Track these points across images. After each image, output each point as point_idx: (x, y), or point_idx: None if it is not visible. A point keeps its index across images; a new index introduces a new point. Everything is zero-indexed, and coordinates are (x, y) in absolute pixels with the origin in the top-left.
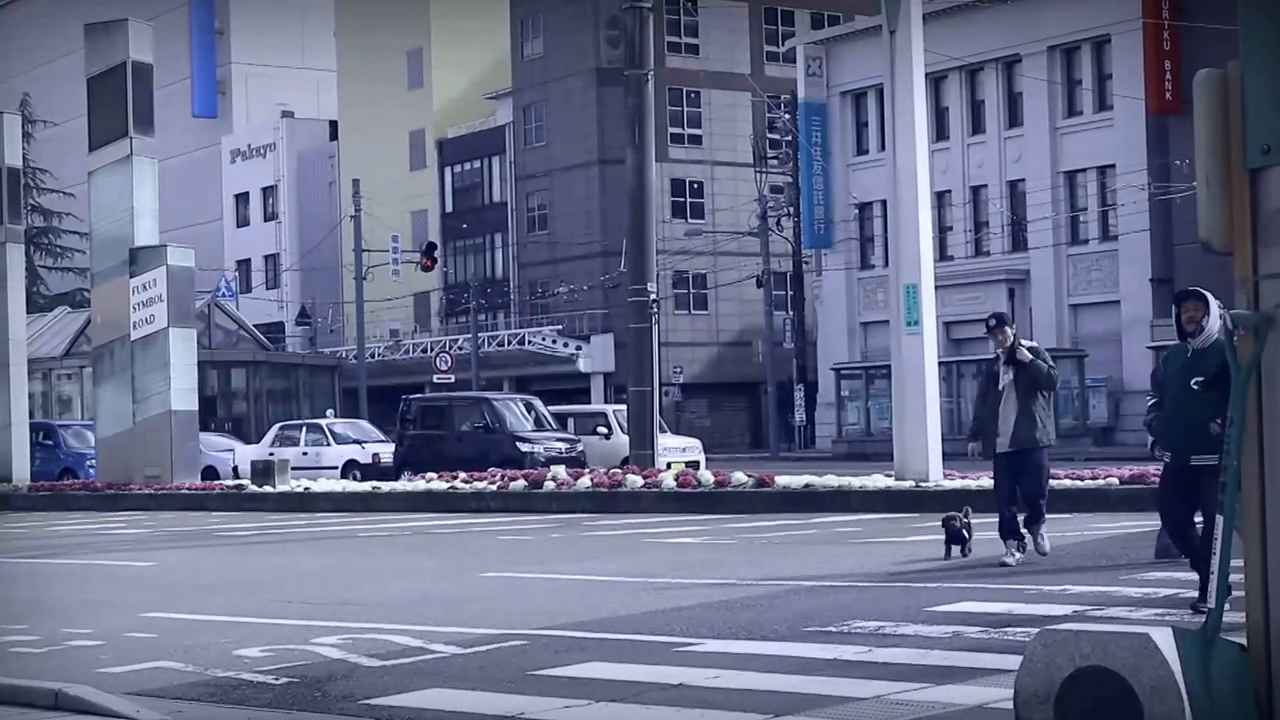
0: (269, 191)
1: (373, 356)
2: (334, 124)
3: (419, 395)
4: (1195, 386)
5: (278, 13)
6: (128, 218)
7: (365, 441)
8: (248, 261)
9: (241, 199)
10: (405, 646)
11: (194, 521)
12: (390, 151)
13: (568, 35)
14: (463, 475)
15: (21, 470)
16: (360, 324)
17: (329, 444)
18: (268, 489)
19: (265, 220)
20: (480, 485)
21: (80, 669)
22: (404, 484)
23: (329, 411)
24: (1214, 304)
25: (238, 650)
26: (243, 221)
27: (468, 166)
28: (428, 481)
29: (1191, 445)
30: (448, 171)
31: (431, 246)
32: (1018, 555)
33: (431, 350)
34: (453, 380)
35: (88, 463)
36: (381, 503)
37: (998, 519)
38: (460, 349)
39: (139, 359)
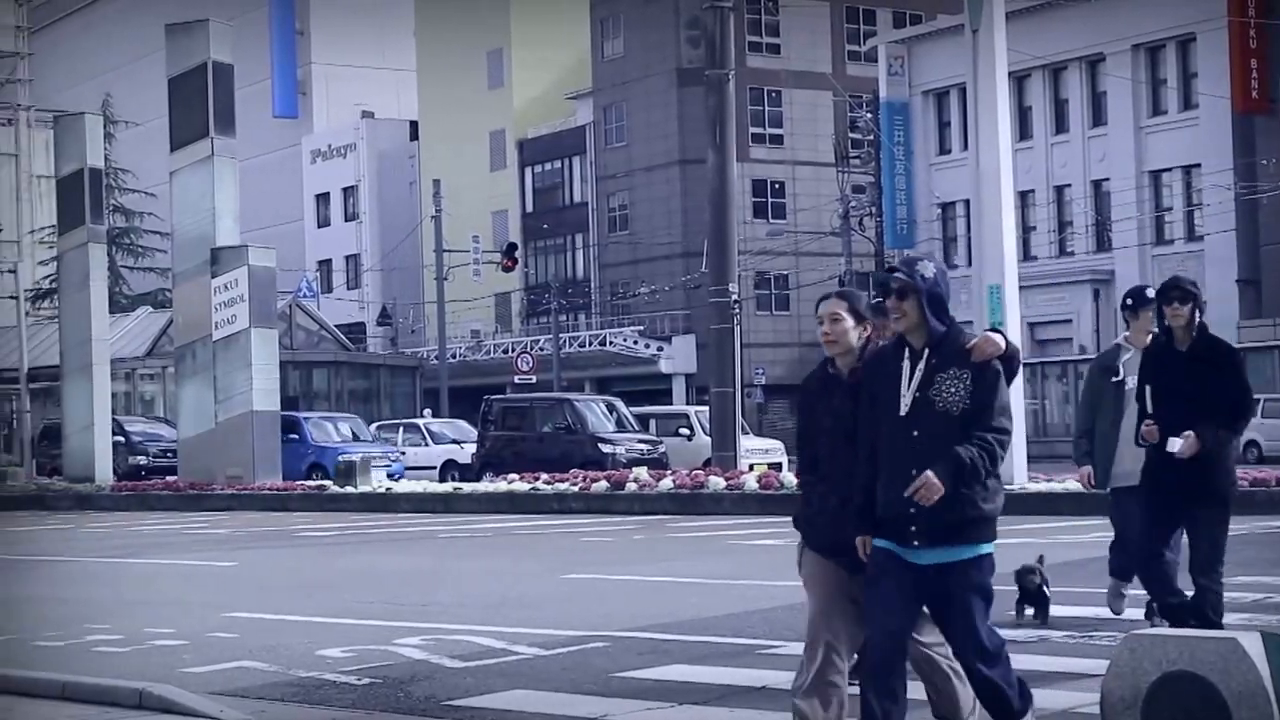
0: (349, 192)
1: (454, 357)
2: (414, 124)
3: (500, 396)
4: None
5: (358, 12)
6: (209, 218)
7: (464, 441)
8: (329, 262)
9: (322, 199)
10: (488, 648)
11: (276, 522)
12: (471, 152)
13: (648, 35)
14: (544, 476)
15: (104, 470)
16: (441, 324)
17: (426, 444)
18: (349, 489)
19: (346, 220)
20: (562, 486)
21: (163, 669)
22: (485, 485)
23: (426, 411)
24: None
25: (320, 650)
26: (323, 222)
27: (548, 167)
28: (509, 483)
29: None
30: (528, 172)
31: (512, 247)
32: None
33: (512, 351)
34: (534, 381)
35: (339, 458)
36: (463, 503)
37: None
38: (541, 350)
39: (220, 359)
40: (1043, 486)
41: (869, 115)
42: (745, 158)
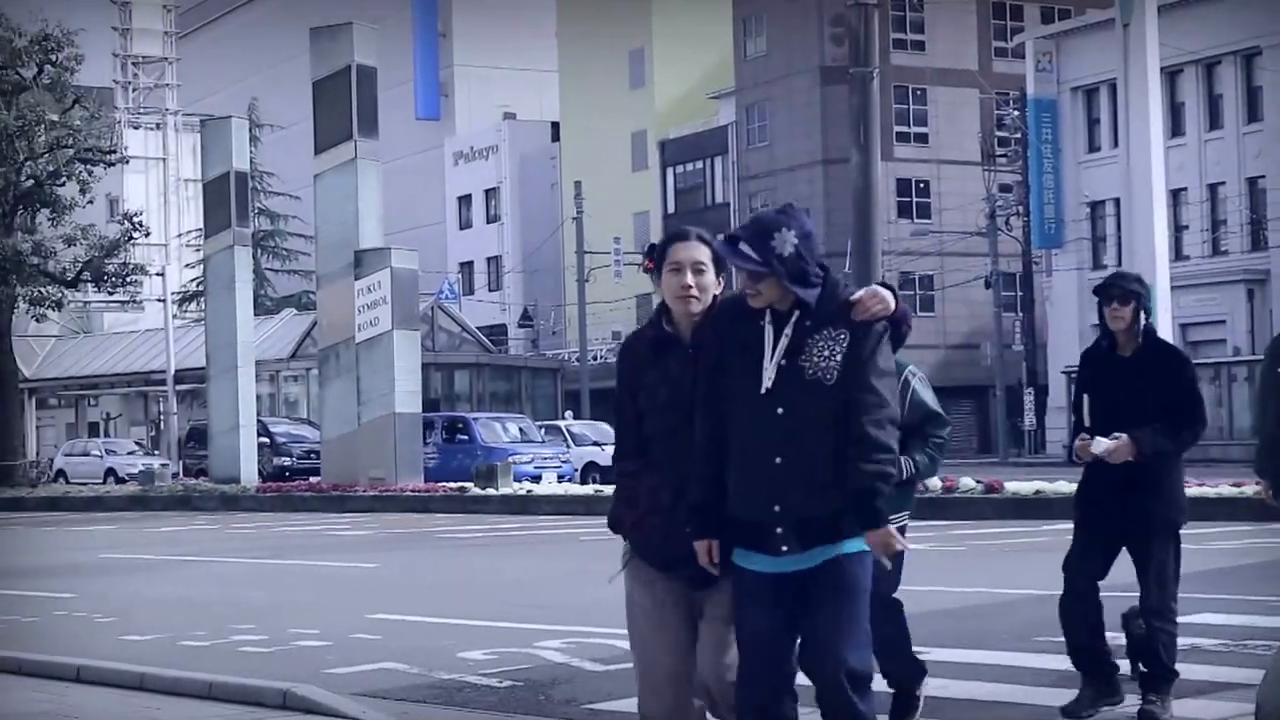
0: (491, 194)
1: (595, 359)
2: (555, 125)
3: None
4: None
5: (499, 14)
6: (352, 220)
7: (605, 443)
8: (470, 264)
9: (464, 201)
10: (628, 651)
11: (417, 523)
12: (612, 152)
13: (791, 33)
14: None
15: (249, 471)
16: (582, 326)
17: (568, 446)
18: (490, 491)
19: (488, 222)
20: None
21: (307, 669)
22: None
23: (567, 413)
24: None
25: (461, 652)
26: (465, 224)
27: (690, 167)
28: None
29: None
30: (669, 172)
31: (653, 248)
32: None
33: None
34: None
35: (509, 459)
36: (604, 506)
37: None
38: None
39: (363, 361)
40: (1194, 490)
41: (1016, 112)
42: (889, 157)
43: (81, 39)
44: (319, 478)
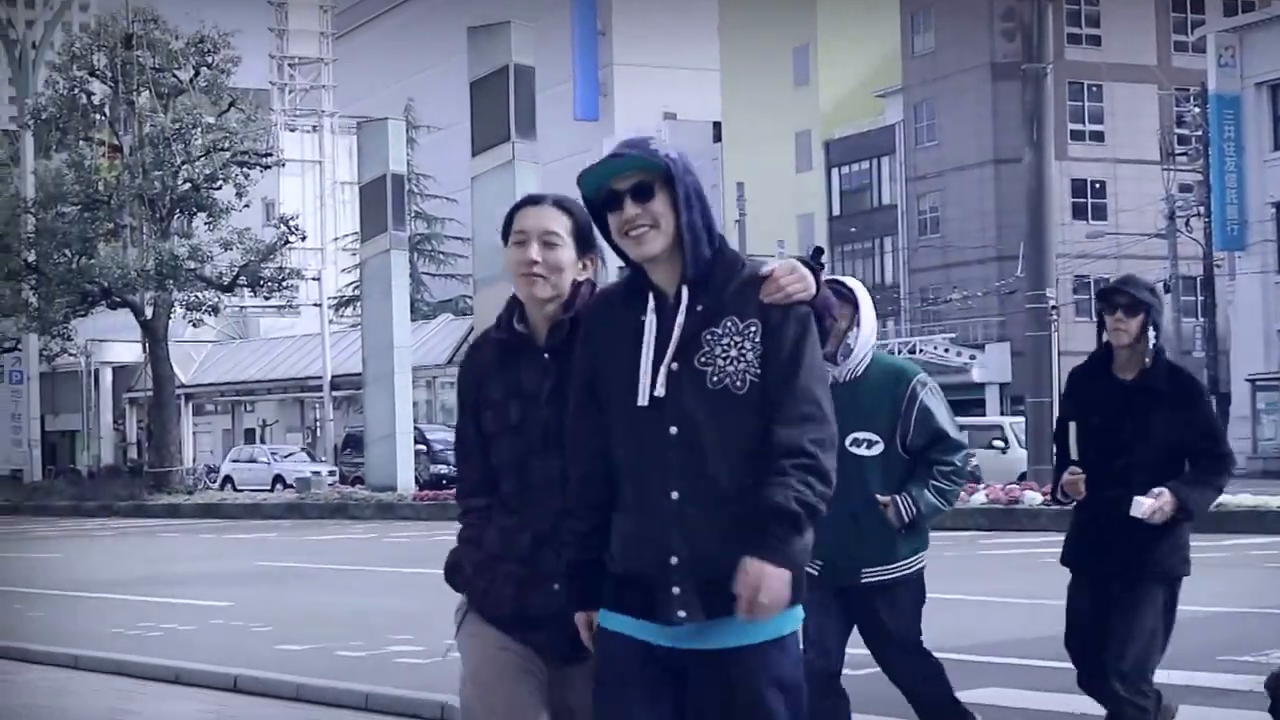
0: None
1: None
2: (717, 125)
3: None
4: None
5: (660, 10)
6: None
7: None
8: None
9: None
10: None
11: None
12: (775, 153)
13: (961, 28)
14: None
15: (406, 478)
16: None
17: None
18: None
19: None
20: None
21: None
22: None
23: None
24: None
25: None
26: None
27: (856, 167)
28: None
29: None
30: (835, 173)
31: (819, 251)
32: None
33: None
34: None
35: None
36: None
37: None
38: None
39: None
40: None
41: (1196, 109)
42: (1063, 155)
43: (238, 41)
44: None
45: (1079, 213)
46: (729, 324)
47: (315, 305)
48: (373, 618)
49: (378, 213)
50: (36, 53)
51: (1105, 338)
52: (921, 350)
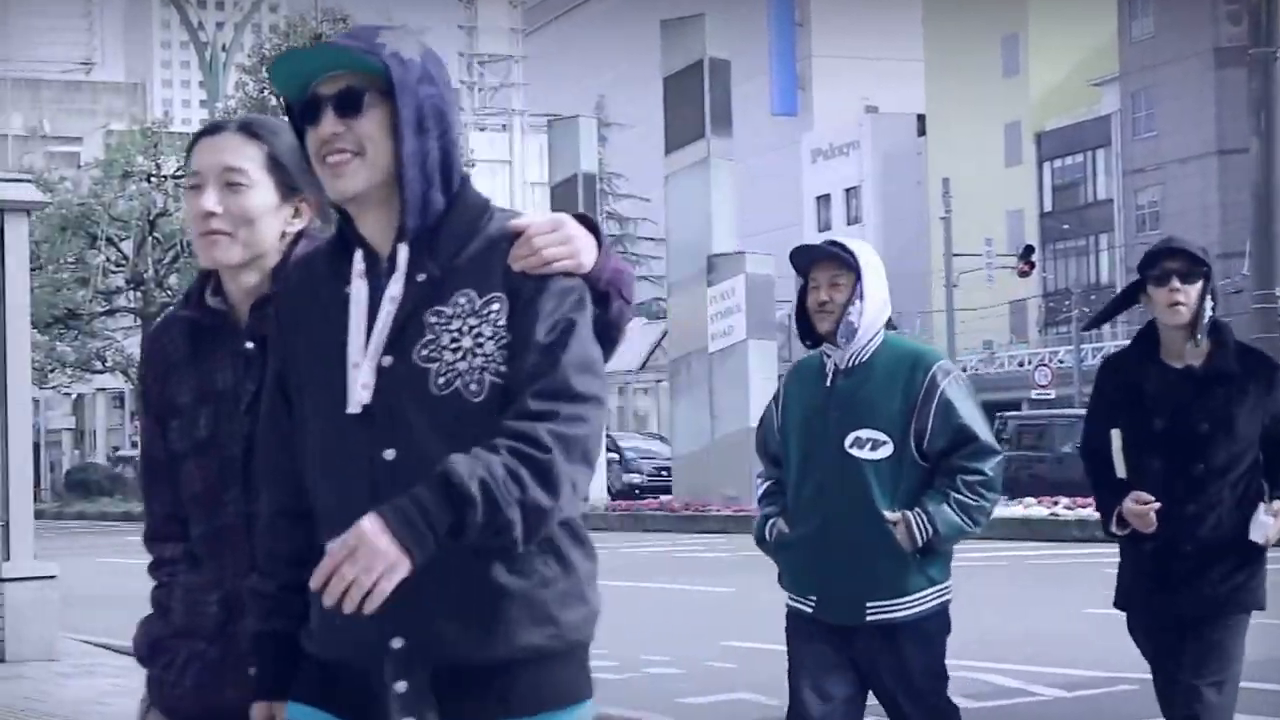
0: (851, 193)
1: (965, 369)
2: (921, 118)
3: (1016, 413)
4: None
5: (861, 1)
6: (705, 223)
7: None
8: None
9: (823, 201)
10: (1003, 687)
11: None
12: (983, 146)
13: (1181, 12)
14: (1065, 501)
15: (599, 488)
16: (950, 334)
17: None
18: None
19: (848, 224)
20: (1085, 513)
21: (660, 698)
22: (999, 509)
23: None
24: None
25: None
26: (824, 225)
27: (1069, 161)
28: (1025, 507)
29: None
30: (1046, 167)
31: (1029, 250)
32: None
33: (1029, 363)
34: (1052, 396)
35: None
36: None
37: None
38: (1061, 362)
39: (717, 372)
40: None
41: None
42: None
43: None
44: (670, 496)
45: None
46: (463, 300)
47: None
48: None
49: (569, 213)
50: (226, 55)
51: (1156, 315)
52: None
